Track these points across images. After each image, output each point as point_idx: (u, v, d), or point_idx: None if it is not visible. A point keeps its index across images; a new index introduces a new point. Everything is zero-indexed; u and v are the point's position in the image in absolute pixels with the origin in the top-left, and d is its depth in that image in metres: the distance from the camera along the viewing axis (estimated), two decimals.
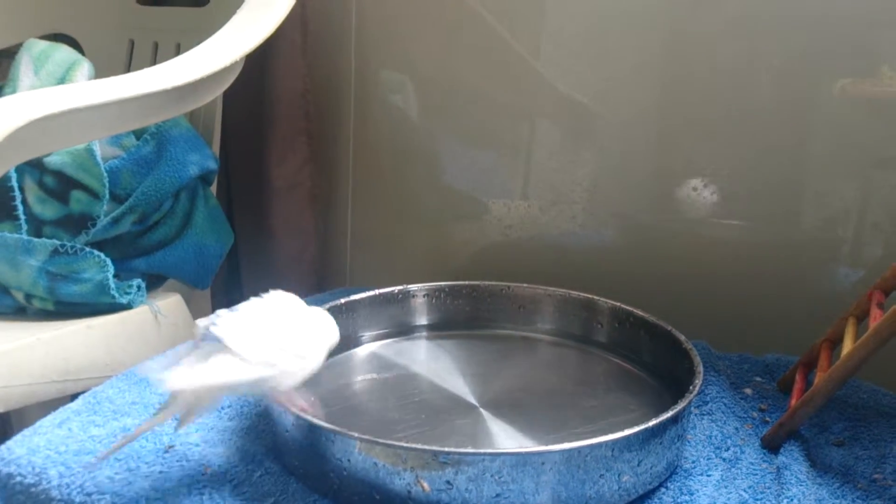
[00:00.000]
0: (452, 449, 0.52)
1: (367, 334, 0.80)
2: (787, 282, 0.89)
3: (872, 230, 0.85)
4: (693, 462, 0.62)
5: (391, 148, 1.10)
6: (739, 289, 0.91)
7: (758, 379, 0.77)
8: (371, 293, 0.80)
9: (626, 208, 0.96)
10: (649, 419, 0.56)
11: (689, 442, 0.65)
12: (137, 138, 0.93)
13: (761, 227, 0.90)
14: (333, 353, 0.75)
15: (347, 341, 0.78)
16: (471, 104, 1.02)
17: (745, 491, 0.58)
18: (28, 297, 0.85)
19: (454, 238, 1.07)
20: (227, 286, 1.14)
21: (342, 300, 0.78)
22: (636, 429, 0.55)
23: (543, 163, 1.00)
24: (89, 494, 0.55)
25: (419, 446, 0.53)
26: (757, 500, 0.57)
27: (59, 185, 0.88)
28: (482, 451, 0.53)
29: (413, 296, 0.82)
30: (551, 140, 1.01)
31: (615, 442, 0.54)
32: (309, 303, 0.66)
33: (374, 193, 1.12)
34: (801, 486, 0.58)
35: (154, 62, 1.02)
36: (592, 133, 0.97)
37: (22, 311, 0.87)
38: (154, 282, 0.94)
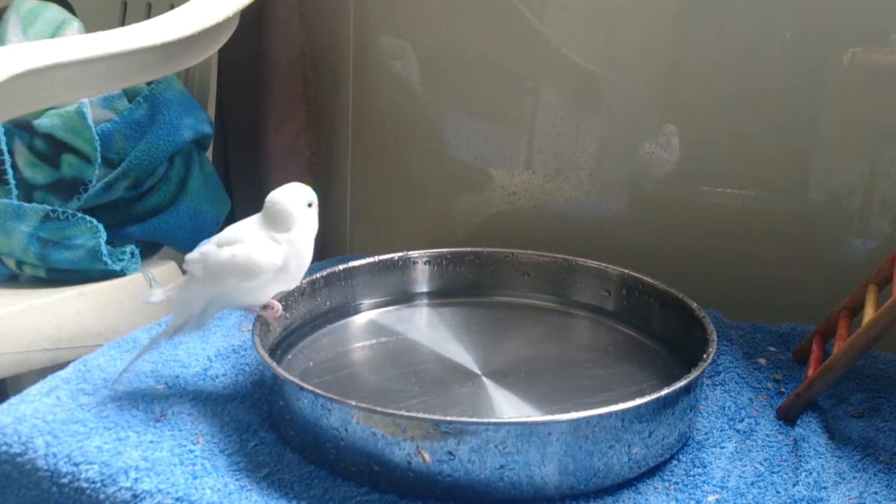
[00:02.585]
0: (455, 418, 0.50)
1: (366, 301, 0.78)
2: (799, 252, 0.86)
3: (882, 203, 0.83)
4: (706, 434, 0.60)
5: (391, 115, 1.07)
6: (750, 259, 0.88)
7: (772, 349, 0.75)
8: (370, 259, 0.78)
9: (634, 176, 0.93)
10: (660, 389, 0.53)
11: (701, 413, 0.63)
12: (130, 101, 0.90)
13: (771, 197, 0.88)
14: (332, 320, 0.74)
15: (346, 308, 0.76)
16: (474, 70, 1.00)
17: (760, 463, 0.56)
18: (19, 263, 0.83)
19: (457, 207, 1.05)
20: None
21: (340, 266, 0.75)
22: (647, 398, 0.53)
23: (548, 130, 0.97)
24: (77, 464, 0.53)
25: (420, 415, 0.50)
26: (773, 473, 0.55)
27: (50, 148, 0.86)
28: (486, 420, 0.51)
29: (414, 262, 0.80)
30: (556, 107, 0.98)
31: (625, 412, 0.52)
32: (307, 271, 0.65)
33: (374, 162, 1.10)
34: (819, 458, 0.56)
35: None
36: (599, 100, 0.95)
37: (14, 279, 0.86)
38: (149, 249, 0.92)
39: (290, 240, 0.62)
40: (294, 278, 0.64)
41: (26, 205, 0.82)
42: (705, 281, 0.83)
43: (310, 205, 0.63)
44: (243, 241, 0.62)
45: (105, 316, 0.81)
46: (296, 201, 0.62)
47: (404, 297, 0.80)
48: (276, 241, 0.62)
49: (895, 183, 0.82)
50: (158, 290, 0.62)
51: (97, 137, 0.85)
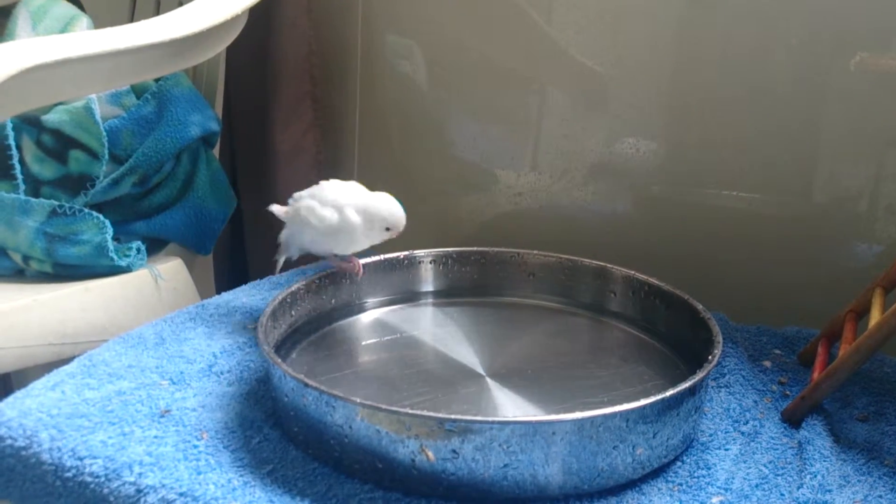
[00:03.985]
0: (459, 416, 0.50)
1: (371, 300, 0.78)
2: (805, 255, 0.86)
3: (888, 207, 0.82)
4: (710, 435, 0.60)
5: (398, 115, 1.07)
6: (756, 261, 0.88)
7: (777, 351, 0.75)
8: (376, 258, 0.78)
9: (640, 177, 0.93)
10: (665, 390, 0.53)
11: (706, 415, 0.63)
12: (138, 97, 0.90)
13: (777, 200, 0.88)
14: (337, 318, 0.74)
15: (351, 307, 0.76)
16: (480, 70, 1.00)
17: (765, 466, 0.56)
18: (26, 258, 0.83)
19: (463, 207, 1.05)
20: (231, 252, 1.12)
21: None
22: (652, 399, 0.52)
23: (554, 130, 0.97)
24: (81, 459, 0.53)
25: (424, 413, 0.50)
26: (778, 475, 0.55)
27: (58, 144, 0.86)
28: (490, 418, 0.50)
29: (419, 261, 0.80)
30: (563, 108, 0.98)
31: (630, 412, 0.52)
32: (312, 270, 0.65)
33: (380, 161, 1.10)
34: (824, 462, 0.55)
35: None
36: (605, 101, 0.94)
37: (20, 274, 0.85)
38: (156, 246, 0.92)
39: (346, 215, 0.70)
40: (345, 248, 0.72)
41: (33, 200, 0.82)
42: (711, 283, 0.83)
43: (387, 229, 0.71)
44: (313, 198, 0.71)
45: (111, 311, 0.81)
46: (374, 218, 0.70)
47: (409, 297, 0.80)
48: (337, 208, 0.70)
49: None
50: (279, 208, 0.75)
51: (105, 133, 0.85)
